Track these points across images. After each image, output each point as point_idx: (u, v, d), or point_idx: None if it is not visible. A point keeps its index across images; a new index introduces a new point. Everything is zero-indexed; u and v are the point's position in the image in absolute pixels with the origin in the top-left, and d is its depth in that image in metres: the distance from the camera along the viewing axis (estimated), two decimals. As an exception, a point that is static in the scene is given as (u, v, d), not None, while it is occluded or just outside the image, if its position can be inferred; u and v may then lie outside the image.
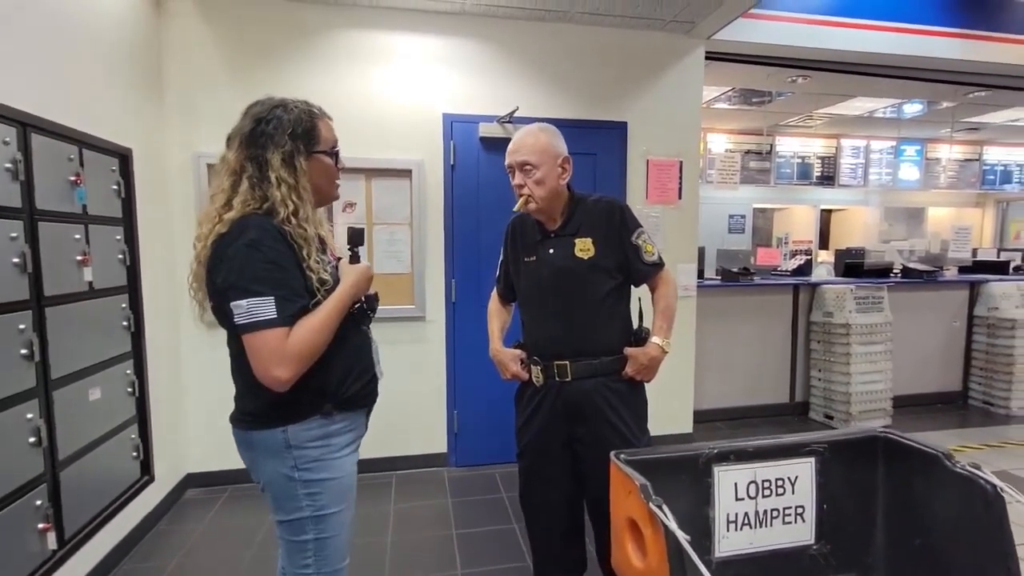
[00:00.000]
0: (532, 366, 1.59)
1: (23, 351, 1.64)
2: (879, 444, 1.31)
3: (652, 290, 1.64)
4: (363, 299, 1.20)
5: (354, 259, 1.20)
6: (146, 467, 2.41)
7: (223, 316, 1.05)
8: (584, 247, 1.53)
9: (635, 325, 1.64)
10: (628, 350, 1.56)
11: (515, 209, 1.57)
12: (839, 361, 3.77)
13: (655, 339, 1.56)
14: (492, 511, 2.62)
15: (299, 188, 1.08)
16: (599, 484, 1.55)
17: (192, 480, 2.86)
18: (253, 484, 1.19)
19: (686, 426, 3.48)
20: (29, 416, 1.67)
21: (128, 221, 2.31)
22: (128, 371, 2.28)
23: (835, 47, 3.60)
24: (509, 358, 1.63)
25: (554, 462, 1.60)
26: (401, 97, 2.93)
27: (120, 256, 2.24)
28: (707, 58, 3.36)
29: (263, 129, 1.08)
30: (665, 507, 0.95)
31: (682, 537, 0.91)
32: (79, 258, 1.94)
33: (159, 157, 2.65)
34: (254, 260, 0.99)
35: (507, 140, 3.07)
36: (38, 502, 1.70)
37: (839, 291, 3.80)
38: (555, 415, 1.57)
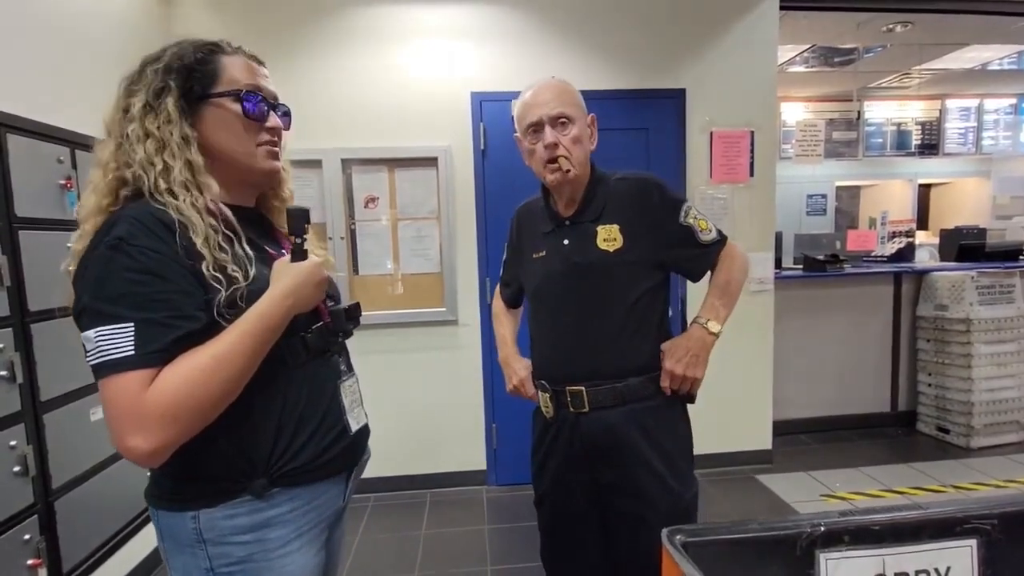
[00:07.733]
0: (540, 392, 1.26)
1: (2, 372, 1.50)
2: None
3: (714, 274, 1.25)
4: (327, 313, 0.87)
5: (297, 254, 0.83)
6: (165, 486, 2.28)
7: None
8: (609, 235, 1.18)
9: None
10: (664, 345, 1.19)
11: (549, 180, 1.19)
12: (956, 364, 3.13)
13: (699, 319, 1.19)
14: (533, 543, 2.29)
15: (170, 142, 0.77)
16: (631, 547, 1.18)
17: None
18: None
19: (763, 441, 2.99)
20: (13, 443, 1.53)
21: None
22: (139, 386, 2.14)
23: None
24: (522, 365, 1.33)
25: (580, 519, 1.25)
26: (423, 77, 2.65)
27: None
28: (782, 7, 2.83)
29: (144, 71, 0.79)
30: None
31: None
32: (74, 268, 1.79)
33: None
34: (114, 268, 0.69)
35: (545, 119, 2.83)
36: (27, 536, 1.56)
37: (955, 279, 3.15)
38: (572, 458, 1.22)
